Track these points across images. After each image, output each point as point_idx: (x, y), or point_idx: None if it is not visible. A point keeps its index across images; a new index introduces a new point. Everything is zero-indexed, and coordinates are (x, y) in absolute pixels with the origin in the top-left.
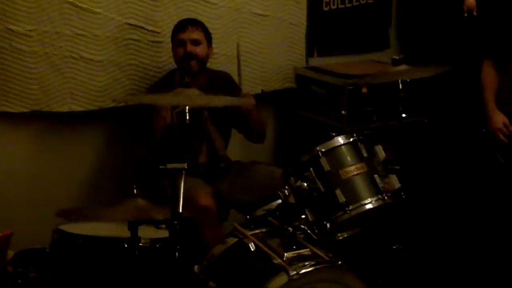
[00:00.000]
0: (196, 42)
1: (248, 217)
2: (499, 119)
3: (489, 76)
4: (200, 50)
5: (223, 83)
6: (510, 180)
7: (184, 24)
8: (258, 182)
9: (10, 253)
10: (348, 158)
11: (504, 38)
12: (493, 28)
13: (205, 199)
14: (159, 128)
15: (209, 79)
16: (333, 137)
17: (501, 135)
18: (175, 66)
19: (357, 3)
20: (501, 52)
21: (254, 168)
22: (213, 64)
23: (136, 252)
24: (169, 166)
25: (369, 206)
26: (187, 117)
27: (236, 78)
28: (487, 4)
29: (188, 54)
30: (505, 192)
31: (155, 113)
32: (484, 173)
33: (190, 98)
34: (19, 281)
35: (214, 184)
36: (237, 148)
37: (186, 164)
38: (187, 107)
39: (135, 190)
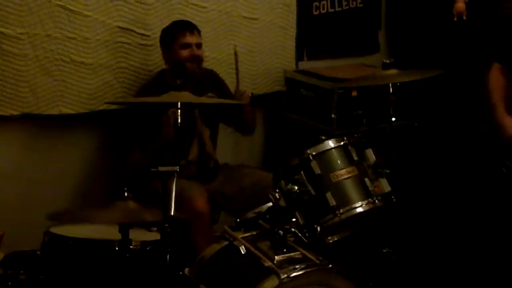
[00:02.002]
0: (199, 46)
1: (238, 220)
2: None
3: (496, 81)
4: (202, 53)
5: (210, 81)
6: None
7: (190, 27)
8: (248, 185)
9: (0, 255)
10: (339, 161)
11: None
12: (500, 32)
13: (200, 203)
14: (165, 136)
15: (197, 79)
16: (323, 140)
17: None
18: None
19: (347, 7)
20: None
21: (242, 171)
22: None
23: (127, 255)
24: (161, 169)
25: (359, 209)
26: (179, 120)
27: (225, 79)
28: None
29: (196, 56)
30: (500, 195)
31: (163, 120)
32: (475, 176)
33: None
34: (9, 283)
35: (205, 185)
36: (226, 150)
37: (178, 167)
38: (179, 111)
39: (126, 193)
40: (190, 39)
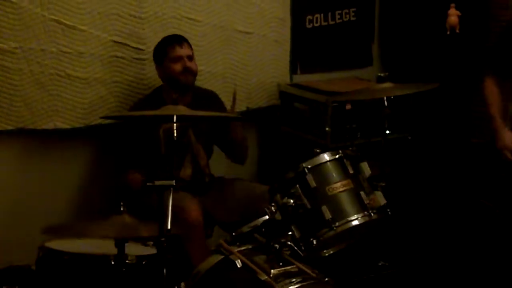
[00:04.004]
0: (191, 58)
1: (233, 233)
2: (508, 136)
3: (492, 92)
4: (194, 65)
5: (209, 101)
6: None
7: (179, 40)
8: (242, 199)
9: None
10: (334, 174)
11: (506, 52)
12: (494, 44)
13: (194, 215)
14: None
15: (195, 97)
16: (318, 153)
17: (509, 154)
18: (160, 83)
19: (340, 21)
20: (505, 67)
21: (237, 185)
22: (198, 81)
23: (123, 269)
24: (157, 183)
25: (355, 222)
26: (175, 134)
27: (220, 93)
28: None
29: (188, 68)
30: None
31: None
32: (469, 189)
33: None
34: None
35: (199, 199)
36: (220, 164)
37: (174, 181)
38: (174, 124)
39: (122, 207)
40: (181, 51)
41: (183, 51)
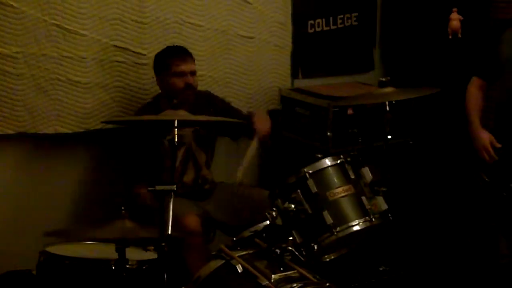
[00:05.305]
0: (193, 73)
1: (234, 238)
2: (486, 136)
3: (474, 96)
4: (195, 80)
5: (206, 100)
6: (494, 199)
7: (182, 55)
8: (243, 203)
9: None
10: (336, 179)
11: (491, 55)
12: (481, 47)
13: (192, 222)
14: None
15: (194, 101)
16: (319, 158)
17: (486, 154)
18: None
19: (342, 25)
20: (490, 70)
21: (238, 189)
22: (199, 86)
23: (124, 274)
24: (158, 188)
25: (356, 227)
26: (176, 140)
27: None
28: (472, 25)
29: (189, 85)
30: (489, 210)
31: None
32: (470, 194)
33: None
34: None
35: (200, 204)
36: (220, 169)
37: (174, 186)
38: (176, 130)
39: (122, 212)
40: (184, 67)
41: (186, 67)
